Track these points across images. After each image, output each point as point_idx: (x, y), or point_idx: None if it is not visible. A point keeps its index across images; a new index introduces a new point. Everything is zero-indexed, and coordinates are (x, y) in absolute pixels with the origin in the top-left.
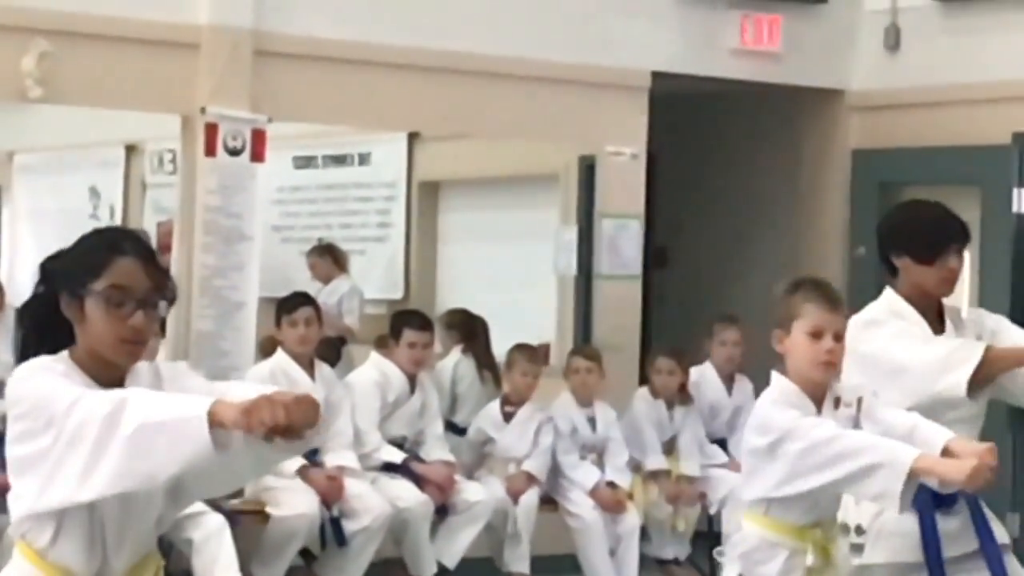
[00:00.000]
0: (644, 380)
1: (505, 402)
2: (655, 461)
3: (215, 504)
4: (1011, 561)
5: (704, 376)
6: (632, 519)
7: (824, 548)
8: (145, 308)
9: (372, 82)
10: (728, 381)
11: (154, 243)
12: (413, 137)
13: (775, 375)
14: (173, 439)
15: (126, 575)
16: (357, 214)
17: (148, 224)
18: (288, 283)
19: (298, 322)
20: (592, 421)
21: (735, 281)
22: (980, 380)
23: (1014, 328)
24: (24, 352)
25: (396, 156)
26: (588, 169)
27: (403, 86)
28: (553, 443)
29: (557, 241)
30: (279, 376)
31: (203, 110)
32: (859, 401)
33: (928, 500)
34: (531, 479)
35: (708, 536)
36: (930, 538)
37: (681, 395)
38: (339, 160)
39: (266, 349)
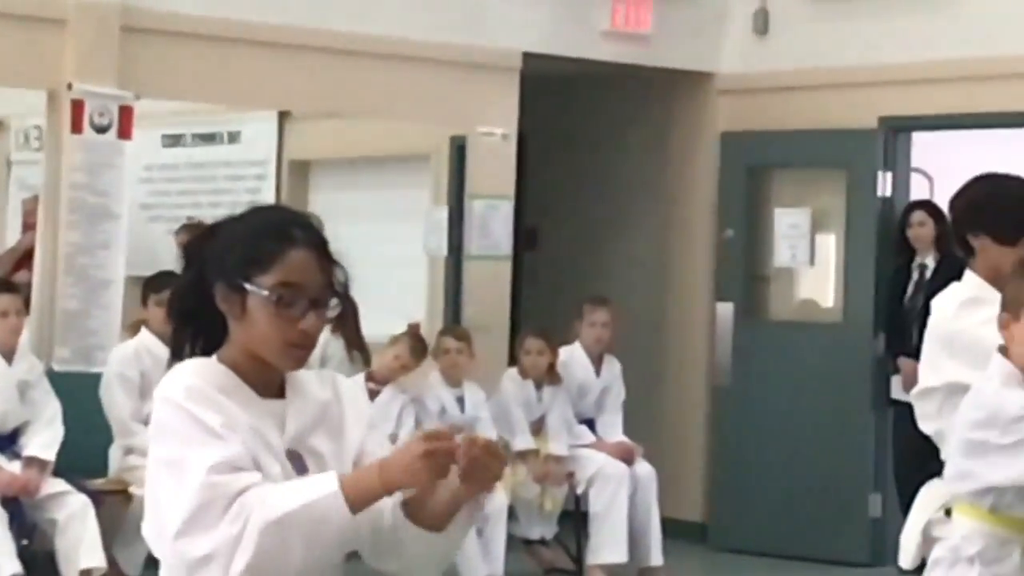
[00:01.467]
0: (513, 361)
1: (369, 378)
2: (523, 441)
3: (78, 484)
4: None
5: (573, 357)
6: (499, 499)
7: None
8: (317, 308)
9: (242, 60)
10: (597, 362)
11: (19, 221)
12: (283, 116)
13: (997, 358)
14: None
15: None
16: (226, 193)
17: (13, 201)
18: (156, 262)
19: (164, 301)
20: (461, 401)
21: (605, 263)
22: None
23: None
24: (176, 350)
25: (266, 135)
26: (459, 149)
27: (273, 64)
28: (416, 425)
29: (428, 221)
30: (144, 355)
31: (69, 86)
32: None
33: None
34: None
35: (575, 516)
36: None
37: (550, 375)
38: (208, 138)
39: (132, 329)
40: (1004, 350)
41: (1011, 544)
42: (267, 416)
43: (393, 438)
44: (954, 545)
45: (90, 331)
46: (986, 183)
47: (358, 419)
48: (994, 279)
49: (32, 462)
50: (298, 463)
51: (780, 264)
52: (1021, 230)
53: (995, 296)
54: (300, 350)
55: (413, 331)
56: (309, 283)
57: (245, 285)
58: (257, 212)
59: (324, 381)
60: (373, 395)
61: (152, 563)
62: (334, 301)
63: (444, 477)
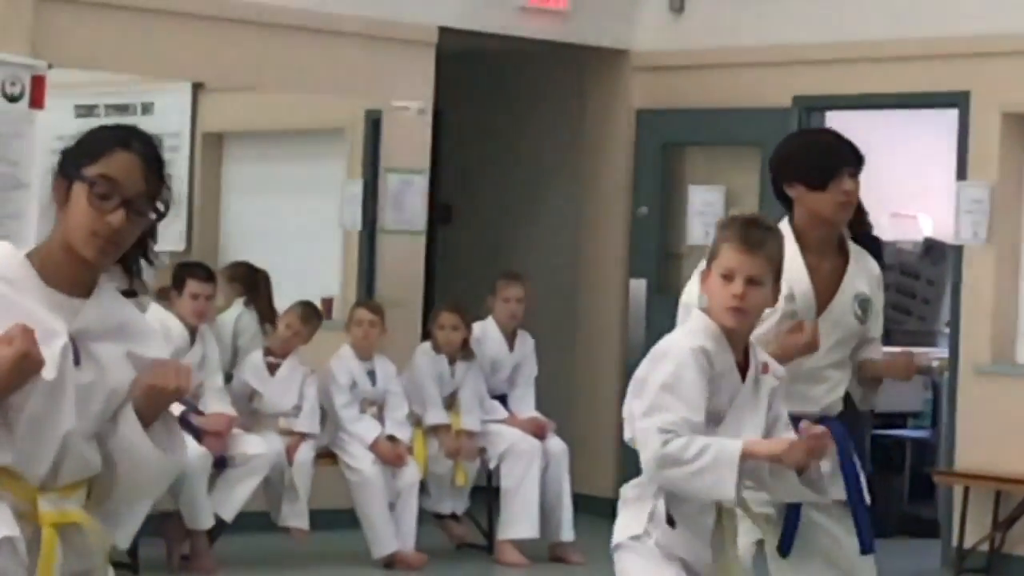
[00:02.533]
0: (426, 336)
1: (267, 353)
2: (436, 416)
3: None
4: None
5: (486, 332)
6: (412, 473)
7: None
8: (129, 209)
9: (156, 30)
10: (510, 337)
11: None
12: (197, 88)
13: (696, 313)
14: None
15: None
16: None
17: None
18: None
19: None
20: (372, 375)
21: (519, 239)
22: None
23: (877, 325)
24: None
25: (180, 106)
26: (374, 123)
27: (188, 35)
28: (319, 397)
29: (342, 195)
30: None
31: None
32: (781, 379)
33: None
34: (304, 437)
35: (487, 491)
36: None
37: (463, 351)
38: (121, 109)
39: None
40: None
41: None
42: (57, 308)
43: (296, 410)
44: (641, 481)
45: None
46: (796, 136)
47: (155, 344)
48: (812, 225)
49: None
50: (75, 354)
51: (694, 242)
52: (829, 174)
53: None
54: (102, 241)
55: (297, 302)
56: (128, 184)
57: (73, 173)
58: (111, 124)
59: (128, 304)
60: (272, 369)
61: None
62: (151, 214)
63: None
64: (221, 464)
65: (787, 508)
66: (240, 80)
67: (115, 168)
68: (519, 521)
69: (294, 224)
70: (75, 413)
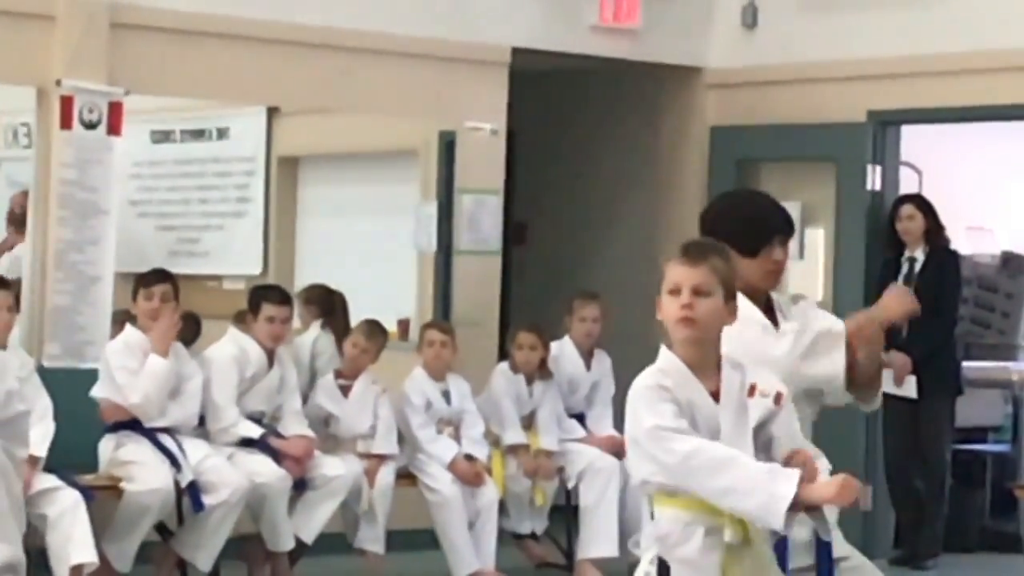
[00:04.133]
0: (502, 355)
1: (339, 375)
2: (514, 435)
3: (69, 480)
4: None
5: (563, 351)
6: (491, 493)
7: (742, 523)
8: None
9: (231, 55)
10: (587, 356)
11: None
12: (272, 111)
13: (662, 349)
14: None
15: None
16: (215, 189)
17: (2, 198)
18: (144, 258)
19: (154, 296)
20: (446, 395)
21: (594, 257)
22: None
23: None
24: None
25: (255, 130)
26: (448, 145)
27: (262, 60)
28: (394, 415)
29: (417, 216)
30: (135, 350)
31: (58, 82)
32: (779, 395)
33: None
34: (384, 459)
35: (566, 510)
36: (780, 547)
37: (541, 370)
38: (197, 134)
39: (118, 325)
40: (669, 346)
41: (693, 526)
42: None
43: (372, 431)
44: (647, 532)
45: (80, 327)
46: (728, 199)
47: None
48: (744, 289)
49: (22, 460)
50: None
51: None
52: (759, 243)
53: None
54: None
55: (362, 321)
56: None
57: None
58: None
59: None
60: (345, 391)
61: (141, 558)
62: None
63: None
64: (301, 486)
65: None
66: (314, 103)
67: None
68: (599, 540)
69: (369, 246)
70: None
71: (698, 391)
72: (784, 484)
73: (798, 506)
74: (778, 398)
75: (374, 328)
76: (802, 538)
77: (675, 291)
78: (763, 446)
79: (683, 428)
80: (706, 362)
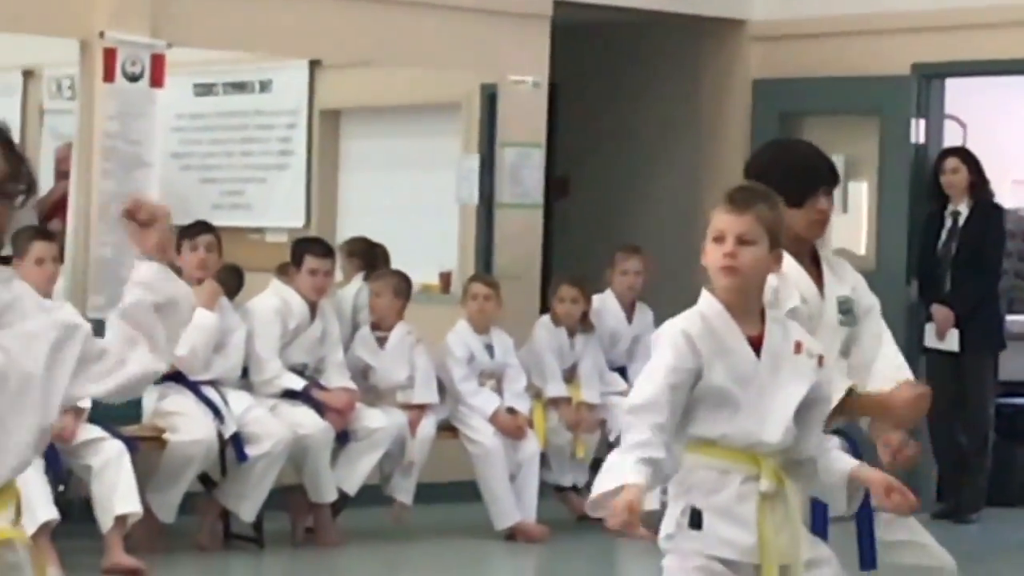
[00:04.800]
0: (544, 309)
1: (374, 328)
2: (556, 388)
3: (114, 430)
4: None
5: (605, 305)
6: (532, 445)
7: (777, 472)
8: (1, 197)
9: (273, 8)
10: (628, 310)
11: (52, 169)
12: (314, 64)
13: (703, 292)
14: None
15: None
16: (257, 142)
17: (46, 150)
18: (187, 210)
19: (198, 247)
20: (489, 348)
21: (636, 211)
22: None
23: (879, 320)
24: None
25: (297, 83)
26: (490, 98)
27: (305, 13)
28: (434, 366)
29: (459, 170)
30: None
31: (102, 35)
32: (821, 359)
33: None
34: (425, 409)
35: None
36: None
37: (583, 323)
38: (240, 87)
39: None
40: (711, 290)
41: (729, 474)
42: None
43: (410, 381)
44: (679, 479)
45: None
46: (774, 149)
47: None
48: (789, 239)
49: (67, 409)
50: None
51: None
52: (805, 193)
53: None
54: None
55: (381, 271)
56: None
57: None
58: None
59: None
60: (381, 343)
61: (185, 508)
62: (20, 191)
63: None
64: (344, 438)
65: (857, 520)
66: (357, 56)
67: None
68: None
69: (411, 199)
70: None
71: (735, 336)
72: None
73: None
74: (820, 360)
75: (399, 280)
76: None
77: (719, 239)
78: (815, 412)
79: (660, 404)
80: (748, 308)
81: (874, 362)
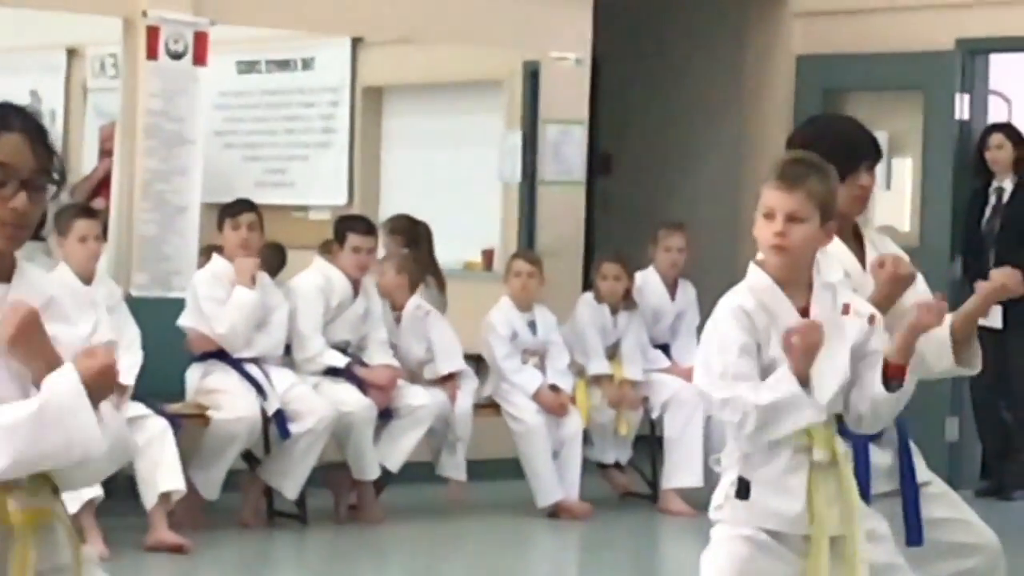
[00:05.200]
0: (587, 286)
1: (393, 308)
2: (598, 365)
3: (157, 408)
4: (933, 487)
5: (647, 281)
6: (575, 422)
7: (830, 443)
8: (29, 190)
9: None
10: (671, 287)
11: (96, 147)
12: (357, 42)
13: (751, 265)
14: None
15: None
16: (300, 120)
17: (90, 128)
18: (230, 188)
19: (240, 226)
20: (532, 325)
21: (679, 188)
22: None
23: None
24: None
25: (339, 61)
26: (532, 75)
27: None
28: (449, 333)
29: (501, 147)
30: (222, 280)
31: (144, 13)
32: (872, 318)
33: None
34: (456, 378)
35: (650, 440)
36: (861, 472)
37: (625, 301)
38: (282, 65)
39: (205, 254)
40: (760, 263)
41: (780, 445)
42: None
43: (429, 353)
44: (729, 450)
45: (167, 257)
46: (816, 124)
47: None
48: None
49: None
50: None
51: None
52: (848, 168)
53: None
54: (13, 228)
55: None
56: (21, 165)
57: None
58: None
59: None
60: (398, 321)
61: (228, 485)
62: (49, 185)
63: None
64: (386, 415)
65: (903, 495)
66: (399, 34)
67: (5, 154)
68: (683, 470)
69: (454, 176)
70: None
71: (786, 308)
72: (785, 387)
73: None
74: (872, 318)
75: (404, 259)
76: (885, 463)
77: (769, 215)
78: (866, 365)
79: (742, 374)
80: (798, 280)
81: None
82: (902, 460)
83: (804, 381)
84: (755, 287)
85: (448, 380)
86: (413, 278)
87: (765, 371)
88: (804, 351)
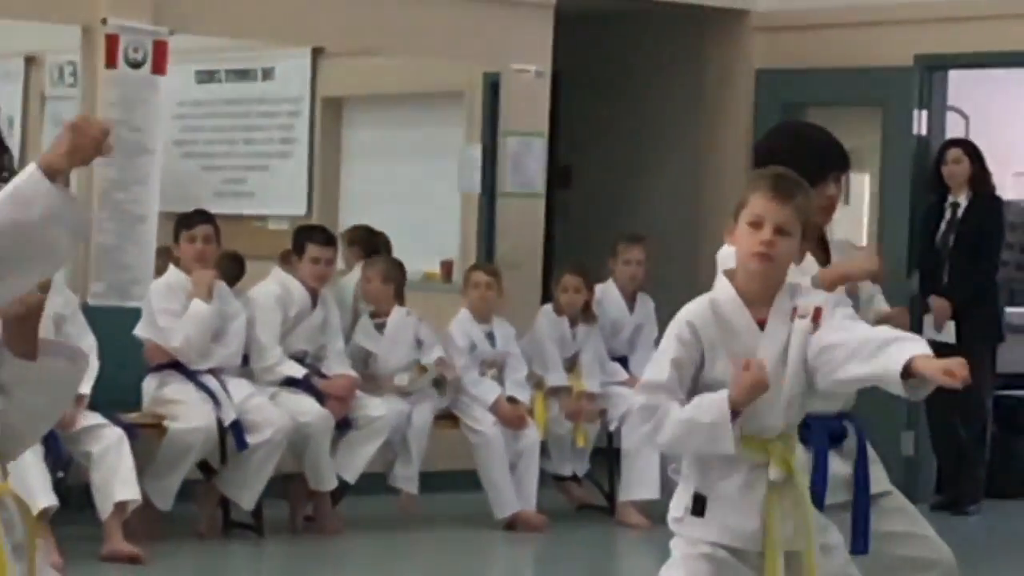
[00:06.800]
0: (546, 298)
1: (374, 315)
2: (557, 377)
3: (114, 417)
4: (893, 500)
5: (606, 294)
6: (532, 435)
7: (787, 461)
8: None
9: None
10: (630, 299)
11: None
12: (317, 52)
13: (720, 277)
14: None
15: None
16: (260, 130)
17: (48, 136)
18: (188, 198)
19: (196, 238)
20: (491, 336)
21: (638, 200)
22: None
23: (877, 306)
24: None
25: (300, 71)
26: (493, 87)
27: (308, 1)
28: (432, 333)
29: (461, 158)
30: (178, 291)
31: (104, 21)
32: (816, 312)
33: (824, 438)
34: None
35: (607, 453)
36: (819, 480)
37: (585, 313)
38: (242, 75)
39: (161, 262)
40: (730, 273)
41: (737, 462)
42: None
43: (411, 364)
44: (690, 463)
45: (124, 266)
46: (786, 131)
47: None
48: None
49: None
50: None
51: None
52: (816, 177)
53: None
54: None
55: (371, 258)
56: None
57: None
58: None
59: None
60: (380, 329)
61: (184, 496)
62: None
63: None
64: (344, 426)
65: (855, 504)
66: (359, 44)
67: None
68: (640, 483)
69: (413, 187)
70: None
71: (746, 322)
72: (715, 411)
73: (738, 415)
74: (816, 315)
75: (389, 265)
76: (844, 473)
77: (757, 224)
78: (821, 364)
79: (665, 386)
80: (765, 294)
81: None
82: (858, 470)
83: (738, 409)
84: (717, 299)
85: (439, 363)
86: (399, 286)
87: (708, 388)
88: (749, 389)
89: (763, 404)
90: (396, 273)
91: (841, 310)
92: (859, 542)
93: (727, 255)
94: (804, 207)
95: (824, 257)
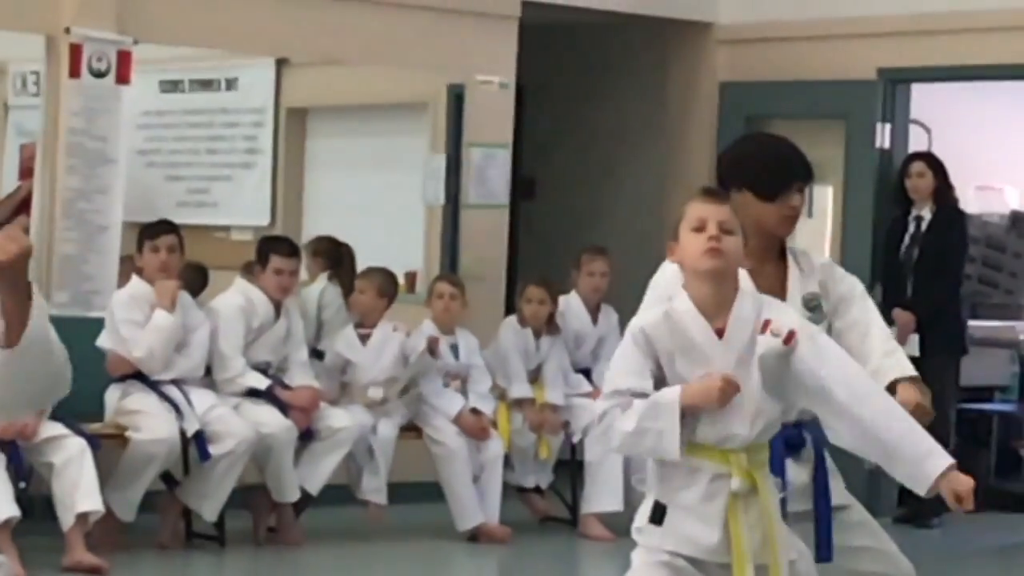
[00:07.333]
0: (510, 310)
1: (358, 326)
2: (520, 389)
3: (76, 428)
4: (854, 514)
5: (570, 306)
6: (496, 446)
7: (749, 472)
8: None
9: (240, 6)
10: (594, 311)
11: (17, 166)
12: (281, 63)
13: (679, 289)
14: None
15: None
16: (223, 140)
17: (11, 147)
18: (152, 208)
19: (160, 248)
20: (454, 348)
21: (602, 212)
22: None
23: (860, 303)
24: None
25: (264, 82)
26: (457, 98)
27: (272, 11)
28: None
29: (425, 170)
30: (141, 302)
31: (68, 30)
32: (790, 335)
33: (780, 447)
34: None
35: (570, 464)
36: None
37: (549, 325)
38: (206, 84)
39: (123, 276)
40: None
41: (698, 472)
42: None
43: (390, 379)
44: (652, 472)
45: (87, 276)
46: (751, 141)
47: None
48: (754, 232)
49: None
50: None
51: None
52: (779, 188)
53: None
54: None
55: (367, 269)
56: None
57: None
58: None
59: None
60: (364, 340)
61: (146, 506)
62: None
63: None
64: (307, 437)
65: (816, 511)
66: (324, 55)
67: None
68: (603, 495)
69: (377, 198)
70: None
71: (702, 330)
72: (668, 417)
73: (687, 413)
74: (789, 337)
75: (385, 277)
76: (801, 481)
77: (700, 228)
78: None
79: (621, 392)
80: (721, 301)
81: (867, 360)
82: (817, 477)
83: (690, 412)
84: (673, 309)
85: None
86: (391, 302)
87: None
88: (702, 393)
89: (726, 412)
90: (391, 288)
91: (822, 338)
92: (823, 550)
93: (671, 275)
94: (736, 210)
95: (782, 268)
